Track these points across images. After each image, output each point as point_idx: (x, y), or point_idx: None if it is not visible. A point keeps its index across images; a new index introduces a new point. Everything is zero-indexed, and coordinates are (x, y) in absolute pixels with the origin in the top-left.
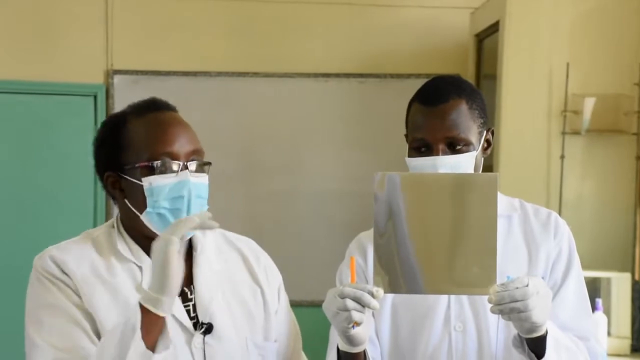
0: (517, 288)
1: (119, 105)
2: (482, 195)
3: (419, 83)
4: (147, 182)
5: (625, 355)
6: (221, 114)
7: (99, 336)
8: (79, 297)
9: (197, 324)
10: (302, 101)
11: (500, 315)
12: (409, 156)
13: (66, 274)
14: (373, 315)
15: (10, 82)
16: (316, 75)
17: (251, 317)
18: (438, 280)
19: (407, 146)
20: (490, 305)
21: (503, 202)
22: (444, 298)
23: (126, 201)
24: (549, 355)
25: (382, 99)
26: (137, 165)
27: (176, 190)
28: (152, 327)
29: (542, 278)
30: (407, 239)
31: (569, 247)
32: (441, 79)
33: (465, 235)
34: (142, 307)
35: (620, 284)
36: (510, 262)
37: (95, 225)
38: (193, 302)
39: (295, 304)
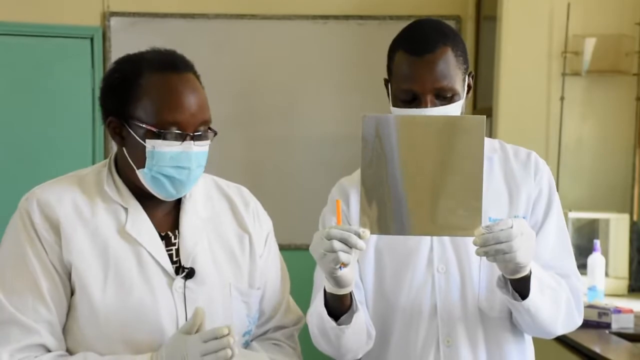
0: (501, 230)
1: (115, 48)
2: (470, 138)
3: None
4: (151, 145)
5: (622, 296)
6: (219, 56)
7: (71, 288)
8: (57, 246)
9: (179, 268)
10: (300, 43)
11: (484, 257)
12: (394, 106)
13: (48, 218)
14: (357, 260)
15: (5, 24)
16: (315, 17)
17: (236, 264)
18: (424, 221)
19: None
20: (475, 247)
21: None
22: (426, 240)
23: (124, 150)
24: (533, 295)
25: (382, 41)
26: (143, 125)
27: (178, 160)
28: None
29: (524, 218)
30: (394, 180)
31: (549, 187)
32: (425, 24)
33: (452, 177)
34: None
35: (618, 225)
36: (491, 203)
37: None
38: (176, 247)
39: (295, 248)
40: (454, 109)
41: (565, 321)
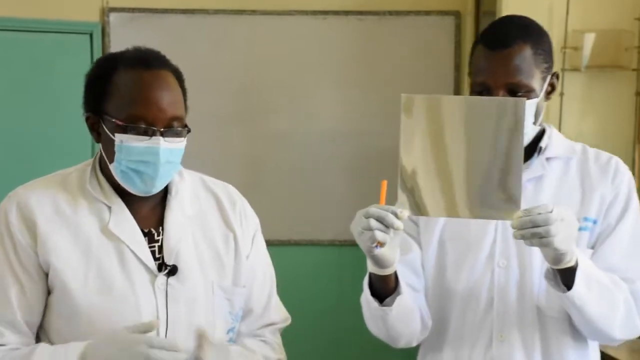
0: (539, 214)
1: (115, 44)
2: (510, 120)
3: (418, 21)
4: (119, 139)
5: None
6: (218, 52)
7: (50, 287)
8: (30, 248)
9: (162, 265)
10: (300, 39)
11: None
12: None
13: (24, 219)
14: (420, 247)
15: (3, 20)
16: (314, 12)
17: (220, 262)
18: (463, 204)
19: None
20: (514, 230)
21: (564, 145)
22: (490, 234)
23: (100, 145)
24: (577, 287)
25: (381, 37)
26: (113, 119)
27: (144, 155)
28: None
29: (595, 221)
30: (432, 162)
31: (627, 192)
32: (508, 20)
33: (492, 159)
34: None
35: None
36: (562, 202)
37: None
38: (160, 244)
39: (294, 244)
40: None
41: (625, 324)
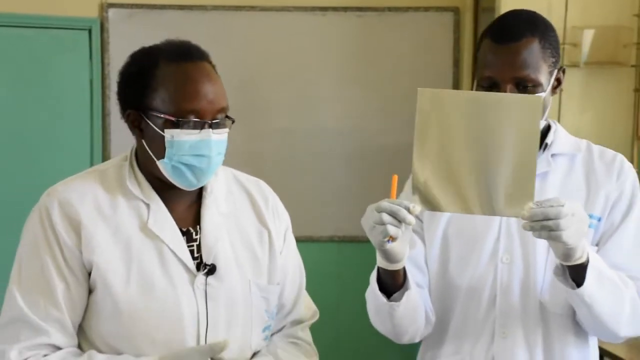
0: (551, 206)
1: (113, 40)
2: (525, 117)
3: (417, 17)
4: (170, 134)
5: None
6: (217, 49)
7: (92, 285)
8: (75, 247)
9: (200, 265)
10: (299, 35)
11: (552, 252)
12: None
13: (68, 218)
14: (424, 243)
15: (1, 15)
16: (313, 8)
17: (256, 260)
18: (476, 200)
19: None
20: (523, 222)
21: (569, 141)
22: (493, 229)
23: (144, 142)
24: (588, 283)
25: (381, 33)
26: (161, 115)
27: (197, 149)
28: None
29: (599, 218)
30: (446, 157)
31: (632, 190)
32: (515, 14)
33: (506, 156)
34: None
35: None
36: (567, 199)
37: (91, 161)
38: (198, 243)
39: (296, 241)
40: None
41: (630, 322)
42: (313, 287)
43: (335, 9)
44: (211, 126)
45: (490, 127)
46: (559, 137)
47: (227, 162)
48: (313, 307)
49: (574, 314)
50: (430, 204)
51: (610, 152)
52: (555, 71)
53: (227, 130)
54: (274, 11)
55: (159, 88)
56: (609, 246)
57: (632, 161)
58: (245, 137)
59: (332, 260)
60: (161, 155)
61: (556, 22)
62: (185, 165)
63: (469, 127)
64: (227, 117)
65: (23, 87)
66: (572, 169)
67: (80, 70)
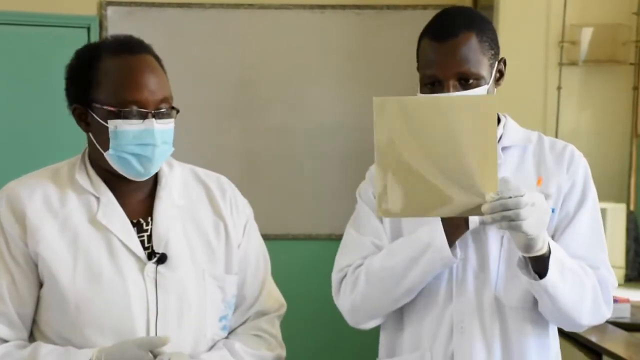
0: (510, 197)
1: None
2: (480, 116)
3: (416, 15)
4: (113, 125)
5: (619, 285)
6: (216, 46)
7: (40, 278)
8: (20, 239)
9: (152, 254)
10: (297, 33)
11: (504, 246)
12: (421, 92)
13: (14, 212)
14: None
15: (0, 13)
16: (312, 6)
17: (211, 250)
18: (440, 202)
19: (417, 81)
20: (485, 215)
21: (519, 134)
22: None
23: (91, 135)
24: (551, 275)
25: (379, 31)
26: (104, 107)
27: (141, 138)
28: None
29: (553, 210)
30: (408, 162)
31: (583, 180)
32: (450, 11)
33: (465, 157)
34: None
35: (615, 214)
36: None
37: None
38: (149, 233)
39: (292, 238)
40: (477, 93)
41: (592, 311)
42: (311, 285)
43: (333, 7)
44: (154, 116)
45: (447, 129)
46: (509, 129)
47: (223, 159)
48: (280, 299)
49: (531, 306)
50: (396, 210)
51: (560, 143)
52: (496, 63)
53: (172, 120)
54: (272, 9)
55: (102, 81)
56: (566, 237)
57: (630, 158)
58: (242, 135)
59: (330, 258)
60: (107, 147)
61: (555, 20)
62: (131, 154)
63: (427, 131)
64: (172, 107)
65: (22, 85)
66: (523, 161)
67: None
